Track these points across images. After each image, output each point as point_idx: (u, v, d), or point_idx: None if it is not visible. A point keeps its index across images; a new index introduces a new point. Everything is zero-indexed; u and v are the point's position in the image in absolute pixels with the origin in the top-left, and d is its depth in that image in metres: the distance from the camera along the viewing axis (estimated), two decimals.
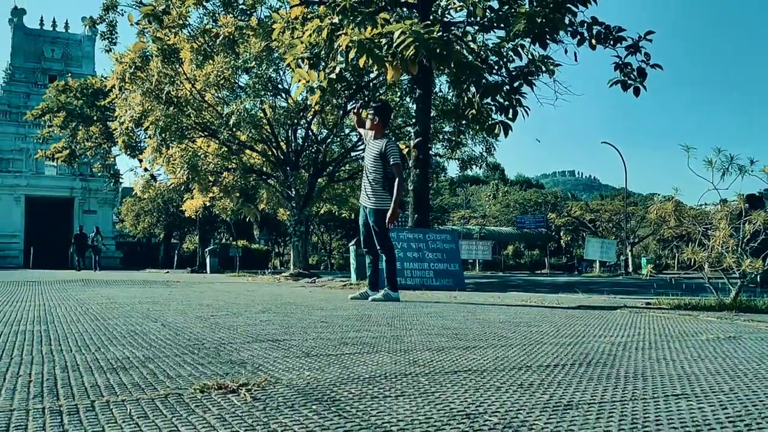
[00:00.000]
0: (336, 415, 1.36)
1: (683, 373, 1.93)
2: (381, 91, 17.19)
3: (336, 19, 8.85)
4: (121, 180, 31.71)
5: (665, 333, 3.05)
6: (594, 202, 50.60)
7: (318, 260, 42.61)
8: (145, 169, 22.44)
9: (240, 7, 14.52)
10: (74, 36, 38.55)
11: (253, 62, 14.54)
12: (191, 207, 23.90)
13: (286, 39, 10.47)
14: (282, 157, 18.09)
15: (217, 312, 4.06)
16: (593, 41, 10.36)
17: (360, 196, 6.11)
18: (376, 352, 2.31)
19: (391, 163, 5.58)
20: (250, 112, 15.17)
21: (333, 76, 8.77)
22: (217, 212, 27.76)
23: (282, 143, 18.33)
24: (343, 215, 31.15)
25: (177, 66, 15.07)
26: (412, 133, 11.59)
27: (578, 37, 10.37)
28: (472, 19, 10.78)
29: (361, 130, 6.22)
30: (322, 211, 30.44)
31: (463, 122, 12.19)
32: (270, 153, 18.27)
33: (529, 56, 10.61)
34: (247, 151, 18.93)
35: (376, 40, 8.03)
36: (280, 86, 17.78)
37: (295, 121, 18.15)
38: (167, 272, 22.71)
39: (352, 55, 8.11)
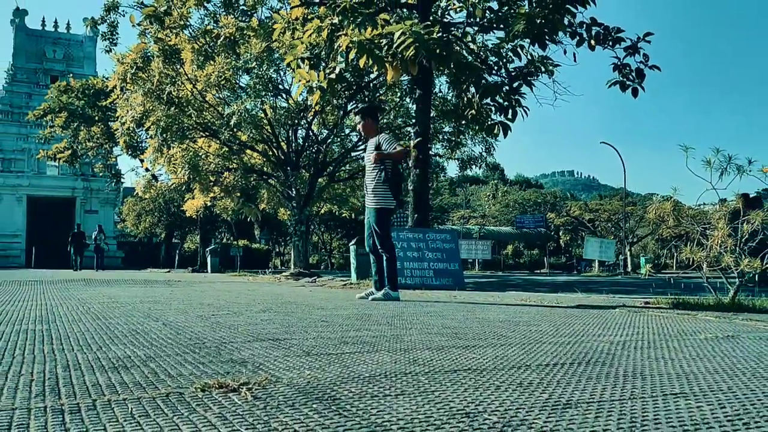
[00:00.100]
0: (336, 414, 1.37)
1: (682, 372, 1.94)
2: (381, 92, 17.22)
3: (336, 20, 8.86)
4: (122, 180, 31.80)
5: (664, 332, 3.06)
6: (593, 201, 50.56)
7: (318, 260, 42.66)
8: (147, 169, 22.51)
9: (241, 7, 14.54)
10: (76, 37, 38.61)
11: (254, 63, 14.56)
12: (192, 207, 23.94)
13: (287, 39, 10.48)
14: (282, 157, 18.11)
15: (218, 311, 4.07)
16: (592, 42, 10.36)
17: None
18: (376, 351, 2.32)
19: (384, 149, 5.54)
20: (250, 113, 15.18)
21: (333, 76, 8.77)
22: (218, 212, 27.79)
23: (282, 143, 18.35)
24: (343, 215, 31.20)
25: (178, 66, 15.08)
26: (412, 133, 11.60)
27: (577, 37, 10.37)
28: (472, 19, 10.79)
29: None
30: (322, 211, 30.46)
31: (463, 122, 12.20)
32: (271, 153, 18.29)
33: (529, 57, 10.61)
34: (248, 151, 18.95)
35: (376, 41, 8.03)
36: (280, 87, 17.82)
37: (296, 121, 18.17)
38: (168, 272, 22.73)
39: (352, 55, 8.11)
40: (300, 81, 8.94)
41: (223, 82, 15.55)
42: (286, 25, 10.15)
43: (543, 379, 1.78)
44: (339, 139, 20.54)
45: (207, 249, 26.36)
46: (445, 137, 19.71)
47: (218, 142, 17.49)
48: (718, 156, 4.43)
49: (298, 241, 18.77)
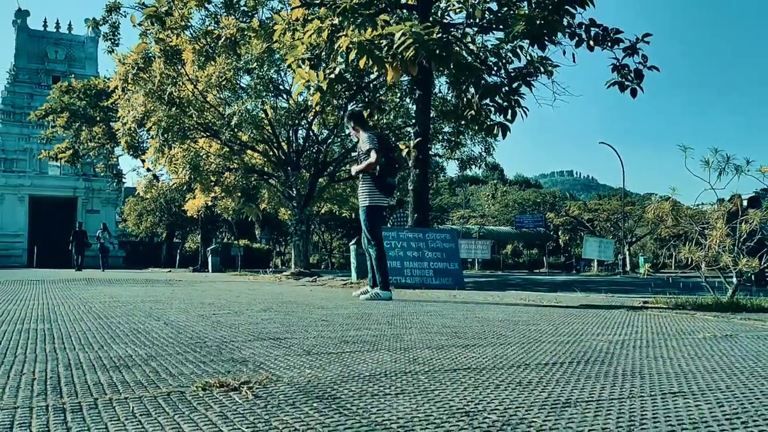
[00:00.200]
0: (337, 413, 1.38)
1: (680, 370, 1.95)
2: (381, 92, 17.21)
3: (336, 21, 8.87)
4: (123, 180, 31.85)
5: (662, 331, 3.07)
6: (592, 201, 50.55)
7: (319, 259, 42.65)
8: (148, 169, 22.55)
9: (241, 8, 14.55)
10: (77, 37, 38.61)
11: (255, 63, 14.58)
12: (193, 207, 23.94)
13: (287, 40, 10.49)
14: (283, 157, 18.12)
15: (218, 310, 4.08)
16: (591, 43, 10.37)
17: None
18: (377, 350, 2.33)
19: (360, 147, 5.74)
20: (251, 113, 15.21)
21: (333, 76, 8.79)
22: (218, 212, 27.78)
23: (283, 143, 18.36)
24: (343, 215, 31.18)
25: (179, 67, 15.10)
26: (412, 134, 11.60)
27: (576, 38, 10.37)
28: (472, 20, 10.79)
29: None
30: (322, 211, 30.48)
31: (463, 123, 12.21)
32: (271, 153, 18.31)
33: (528, 57, 10.63)
34: (249, 152, 18.97)
35: (376, 42, 8.04)
36: (281, 87, 17.82)
37: (296, 121, 18.18)
38: (169, 271, 22.73)
39: (352, 56, 8.12)
40: (300, 81, 8.95)
41: (224, 83, 15.58)
42: (286, 26, 10.16)
43: (542, 378, 1.79)
44: (339, 140, 20.54)
45: (208, 249, 26.34)
46: (445, 137, 19.72)
47: (219, 142, 17.51)
48: (717, 156, 4.44)
49: (299, 240, 18.78)
